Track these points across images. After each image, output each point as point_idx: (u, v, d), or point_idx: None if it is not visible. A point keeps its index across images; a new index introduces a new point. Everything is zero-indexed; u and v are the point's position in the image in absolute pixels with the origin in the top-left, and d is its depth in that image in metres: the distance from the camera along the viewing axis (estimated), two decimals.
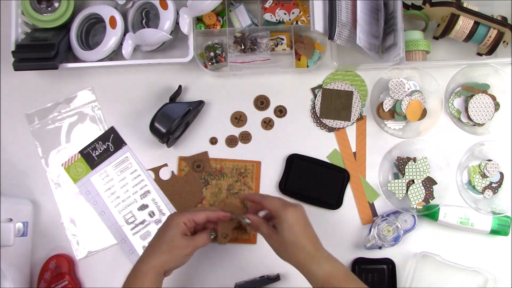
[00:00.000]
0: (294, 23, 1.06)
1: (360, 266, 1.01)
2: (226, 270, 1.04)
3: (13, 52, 1.01)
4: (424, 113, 1.04)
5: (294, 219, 0.84)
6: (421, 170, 1.02)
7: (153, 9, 1.07)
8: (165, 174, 1.07)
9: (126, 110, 1.09)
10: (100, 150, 1.07)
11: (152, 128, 1.00)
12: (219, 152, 1.07)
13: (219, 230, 0.91)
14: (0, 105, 1.09)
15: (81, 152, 1.07)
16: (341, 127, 1.06)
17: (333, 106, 1.07)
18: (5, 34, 1.05)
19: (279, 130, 1.07)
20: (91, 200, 1.06)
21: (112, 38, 1.03)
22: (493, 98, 1.03)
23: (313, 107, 1.07)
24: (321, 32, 0.96)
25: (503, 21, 1.00)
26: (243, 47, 1.04)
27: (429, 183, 1.02)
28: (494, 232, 1.00)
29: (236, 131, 1.08)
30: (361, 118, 1.07)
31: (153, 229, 1.05)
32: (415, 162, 1.02)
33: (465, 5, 0.99)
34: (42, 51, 1.00)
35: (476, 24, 1.00)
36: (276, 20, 1.06)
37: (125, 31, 1.05)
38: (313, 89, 1.08)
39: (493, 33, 1.00)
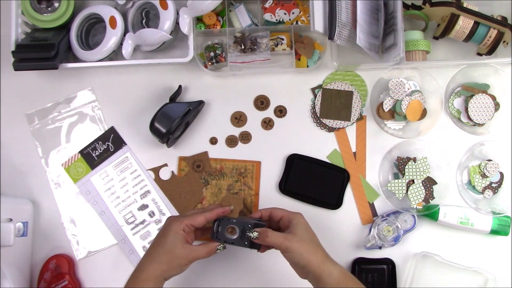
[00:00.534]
0: (294, 23, 1.06)
1: (360, 266, 1.01)
2: (226, 271, 1.04)
3: (13, 52, 1.01)
4: (424, 113, 1.04)
5: (305, 221, 0.88)
6: (421, 170, 1.02)
7: (153, 9, 1.07)
8: (165, 174, 1.07)
9: (126, 110, 1.09)
10: (100, 150, 1.07)
11: (152, 128, 1.00)
12: (219, 152, 1.07)
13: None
14: (0, 105, 1.09)
15: (81, 152, 1.07)
16: (341, 127, 1.06)
17: (333, 106, 1.07)
18: (5, 34, 1.05)
19: (279, 130, 1.07)
20: (91, 200, 1.06)
21: (112, 38, 1.03)
22: (493, 98, 1.03)
23: (313, 107, 1.07)
24: (321, 32, 0.96)
25: (503, 21, 1.00)
26: (243, 47, 1.04)
27: (429, 183, 1.02)
28: (494, 232, 1.00)
29: (236, 131, 1.08)
30: (361, 118, 1.07)
31: (153, 229, 1.05)
32: (415, 162, 1.02)
33: (465, 5, 0.99)
34: (42, 51, 1.00)
35: (476, 24, 1.00)
36: (276, 20, 1.06)
37: (125, 31, 1.05)
38: (313, 89, 1.08)
39: (493, 33, 1.00)
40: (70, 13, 1.04)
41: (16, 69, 1.01)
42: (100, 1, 1.08)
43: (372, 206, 1.05)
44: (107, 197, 1.06)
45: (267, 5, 1.06)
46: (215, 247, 0.87)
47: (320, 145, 1.06)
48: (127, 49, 1.03)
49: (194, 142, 1.07)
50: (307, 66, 1.05)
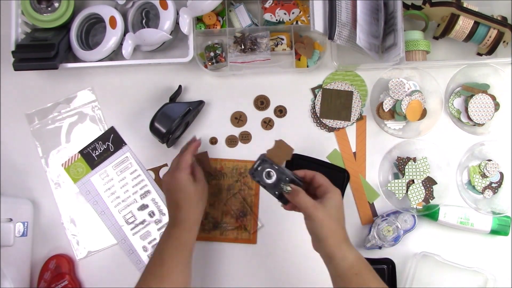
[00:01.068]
0: (294, 23, 1.06)
1: None
2: (226, 270, 1.04)
3: (13, 52, 1.01)
4: (424, 113, 1.04)
5: (340, 199, 0.87)
6: (421, 170, 1.02)
7: (153, 9, 1.07)
8: None
9: (126, 110, 1.09)
10: (100, 150, 1.07)
11: (152, 128, 1.00)
12: (219, 152, 1.07)
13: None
14: (0, 105, 1.09)
15: (81, 152, 1.07)
16: (341, 127, 1.06)
17: (333, 106, 1.07)
18: (5, 34, 1.05)
19: (279, 130, 1.07)
20: (91, 200, 1.06)
21: (112, 38, 1.03)
22: (493, 98, 1.03)
23: (313, 107, 1.07)
24: (321, 32, 0.96)
25: (503, 21, 1.00)
26: (243, 47, 1.04)
27: (429, 183, 1.02)
28: (494, 232, 1.00)
29: (236, 131, 1.08)
30: (361, 118, 1.07)
31: (153, 229, 1.05)
32: (415, 162, 1.02)
33: (465, 5, 0.99)
34: (42, 51, 1.00)
35: (476, 24, 1.00)
36: (276, 20, 1.06)
37: (125, 31, 1.05)
38: (313, 89, 1.08)
39: (493, 33, 1.00)
40: (70, 13, 1.04)
41: (16, 69, 1.01)
42: (100, 1, 1.08)
43: (372, 206, 1.05)
44: (107, 197, 1.06)
45: (267, 5, 1.06)
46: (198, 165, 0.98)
47: (320, 145, 1.06)
48: (127, 49, 1.03)
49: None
50: (307, 66, 1.05)
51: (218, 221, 1.05)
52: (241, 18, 1.06)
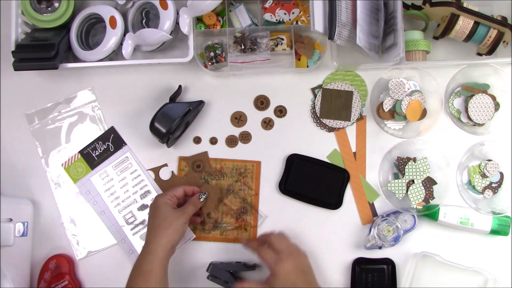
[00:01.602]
0: (294, 23, 1.06)
1: (360, 266, 1.01)
2: None
3: (13, 52, 1.01)
4: (424, 113, 1.04)
5: (288, 270, 0.88)
6: (421, 170, 1.02)
7: (153, 9, 1.07)
8: (165, 174, 1.07)
9: (126, 110, 1.09)
10: (100, 150, 1.07)
11: (152, 128, 1.00)
12: (219, 152, 1.07)
13: (204, 211, 1.01)
14: (0, 105, 1.09)
15: (81, 152, 1.07)
16: (341, 127, 1.06)
17: (333, 106, 1.07)
18: (5, 34, 1.05)
19: (279, 130, 1.07)
20: (91, 200, 1.06)
21: (112, 38, 1.03)
22: (493, 98, 1.03)
23: (313, 107, 1.07)
24: (321, 32, 0.96)
25: (503, 21, 1.00)
26: (243, 47, 1.04)
27: (429, 183, 1.02)
28: (494, 232, 1.00)
29: (236, 131, 1.08)
30: (361, 118, 1.07)
31: None
32: (415, 162, 1.02)
33: (465, 5, 0.99)
34: (42, 51, 1.00)
35: (476, 24, 1.00)
36: (276, 20, 1.06)
37: (125, 31, 1.05)
38: (313, 89, 1.08)
39: (493, 33, 1.00)
40: (70, 13, 1.04)
41: (16, 69, 1.01)
42: (100, 1, 1.08)
43: (372, 206, 1.05)
44: (107, 197, 1.06)
45: (267, 5, 1.06)
46: (197, 197, 0.99)
47: (320, 145, 1.06)
48: (127, 49, 1.03)
49: (194, 142, 1.07)
50: (307, 66, 1.05)
51: (218, 221, 1.05)
52: (241, 18, 1.06)
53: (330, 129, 1.07)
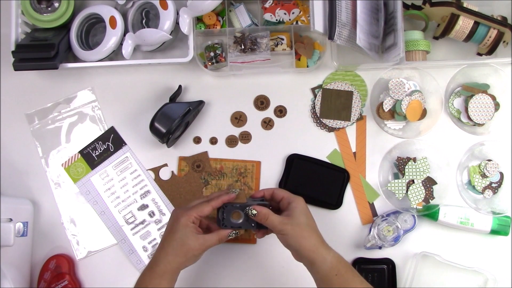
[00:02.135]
0: (294, 23, 1.06)
1: (360, 266, 1.01)
2: (226, 270, 1.04)
3: (13, 52, 1.01)
4: (424, 113, 1.04)
5: (304, 205, 0.88)
6: (421, 170, 1.02)
7: (153, 9, 1.07)
8: (165, 174, 1.07)
9: (126, 110, 1.09)
10: (100, 150, 1.07)
11: (152, 128, 1.00)
12: (219, 152, 1.07)
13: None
14: (0, 105, 1.09)
15: (81, 152, 1.07)
16: (341, 127, 1.06)
17: (333, 106, 1.07)
18: (5, 34, 1.05)
19: (279, 130, 1.07)
20: (91, 200, 1.06)
21: (112, 38, 1.03)
22: (493, 98, 1.03)
23: (313, 107, 1.07)
24: (321, 32, 0.96)
25: (503, 21, 1.00)
26: (243, 47, 1.04)
27: (429, 183, 1.02)
28: (494, 232, 1.00)
29: (236, 131, 1.08)
30: (361, 118, 1.07)
31: (153, 229, 1.05)
32: (415, 162, 1.02)
33: (465, 5, 0.99)
34: (42, 51, 1.00)
35: (476, 24, 1.00)
36: (276, 20, 1.06)
37: (125, 31, 1.05)
38: (313, 89, 1.08)
39: (493, 33, 1.00)
40: (70, 13, 1.04)
41: (16, 69, 1.01)
42: (100, 1, 1.08)
43: (372, 206, 1.05)
44: (107, 197, 1.06)
45: (267, 5, 1.06)
46: (227, 233, 0.88)
47: (320, 145, 1.06)
48: (127, 49, 1.03)
49: (194, 142, 1.07)
50: (307, 66, 1.05)
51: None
52: (241, 18, 1.06)
53: (330, 129, 1.07)
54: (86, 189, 1.07)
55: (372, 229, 1.00)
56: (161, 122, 1.00)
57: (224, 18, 1.06)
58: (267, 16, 1.05)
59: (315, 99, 1.07)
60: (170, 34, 1.02)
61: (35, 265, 1.04)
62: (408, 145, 1.04)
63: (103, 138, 1.08)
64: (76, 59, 1.06)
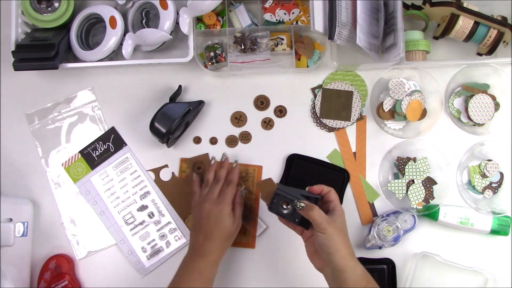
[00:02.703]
0: (294, 23, 1.06)
1: None
2: (224, 274, 1.03)
3: (13, 52, 1.01)
4: (424, 113, 1.04)
5: (344, 218, 0.90)
6: (421, 170, 1.02)
7: (153, 9, 1.07)
8: (165, 175, 1.07)
9: (126, 110, 1.09)
10: (101, 150, 1.07)
11: (152, 128, 1.00)
12: (219, 152, 1.07)
13: (262, 195, 0.93)
14: (0, 105, 1.09)
15: (81, 152, 1.07)
16: (341, 127, 1.06)
17: (333, 106, 1.07)
18: (5, 34, 1.05)
19: (279, 130, 1.07)
20: (91, 200, 1.06)
21: (112, 38, 1.03)
22: (493, 98, 1.03)
23: (313, 107, 1.07)
24: (321, 32, 0.96)
25: (503, 21, 1.00)
26: (243, 47, 1.04)
27: (429, 183, 1.02)
28: (494, 232, 1.00)
29: (236, 131, 1.08)
30: (361, 118, 1.07)
31: (153, 230, 1.05)
32: (415, 162, 1.02)
33: (465, 5, 0.99)
34: (42, 51, 1.00)
35: (476, 24, 1.00)
36: (276, 20, 1.06)
37: (125, 31, 1.05)
38: (313, 89, 1.08)
39: (493, 33, 1.00)
40: (70, 13, 1.04)
41: (16, 69, 1.01)
42: (100, 1, 1.08)
43: (372, 206, 1.05)
44: (107, 197, 1.06)
45: (267, 5, 1.06)
46: (240, 195, 0.99)
47: (320, 145, 1.06)
48: (127, 49, 1.03)
49: (194, 142, 1.07)
50: (307, 66, 1.05)
51: None
52: (241, 18, 1.06)
53: (330, 129, 1.07)
54: (86, 189, 1.07)
55: (372, 229, 1.00)
56: (161, 122, 1.00)
57: (224, 18, 1.06)
58: (267, 16, 1.05)
59: (315, 99, 1.07)
60: (170, 34, 1.02)
61: (35, 265, 1.04)
62: (408, 145, 1.04)
63: (103, 138, 1.08)
64: (76, 59, 1.06)
